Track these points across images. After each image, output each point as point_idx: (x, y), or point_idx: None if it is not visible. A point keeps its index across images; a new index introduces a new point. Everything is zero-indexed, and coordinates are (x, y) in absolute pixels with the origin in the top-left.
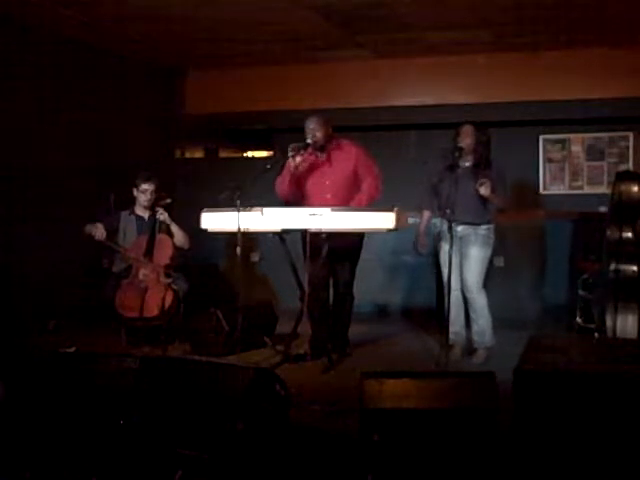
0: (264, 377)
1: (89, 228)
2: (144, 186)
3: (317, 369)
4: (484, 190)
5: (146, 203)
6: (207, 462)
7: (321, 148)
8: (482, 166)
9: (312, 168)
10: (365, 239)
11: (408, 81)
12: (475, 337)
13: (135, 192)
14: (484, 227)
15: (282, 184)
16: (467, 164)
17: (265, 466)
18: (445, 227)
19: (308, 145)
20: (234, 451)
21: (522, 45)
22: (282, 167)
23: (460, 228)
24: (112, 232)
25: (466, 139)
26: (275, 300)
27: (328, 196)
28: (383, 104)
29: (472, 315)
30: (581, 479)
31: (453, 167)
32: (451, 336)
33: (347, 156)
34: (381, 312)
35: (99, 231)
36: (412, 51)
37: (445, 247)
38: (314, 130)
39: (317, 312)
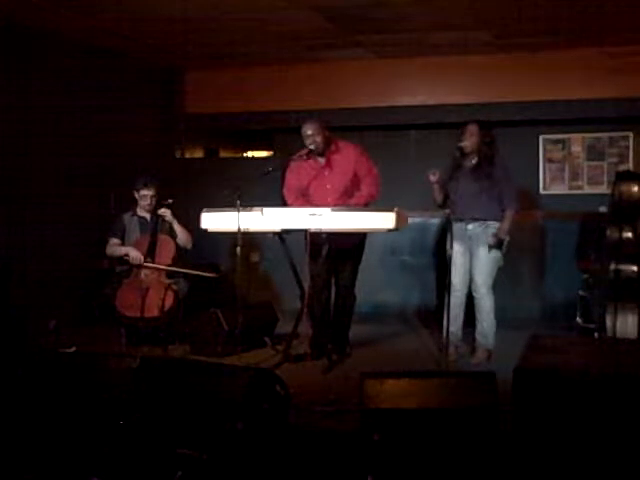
0: (264, 377)
1: (118, 251)
2: (143, 192)
3: (317, 369)
4: (492, 241)
5: (147, 207)
6: (207, 462)
7: (321, 153)
8: (485, 165)
9: (314, 174)
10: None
11: (408, 81)
12: (478, 337)
13: (136, 195)
14: (494, 225)
15: (296, 200)
16: (471, 164)
17: (265, 466)
18: (451, 226)
19: (311, 151)
20: (234, 451)
21: (522, 45)
22: (284, 171)
23: (470, 226)
24: (123, 237)
25: (470, 138)
26: (275, 300)
27: (329, 200)
28: (383, 104)
29: (477, 315)
30: (581, 479)
31: (458, 167)
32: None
33: (346, 159)
34: (381, 312)
35: (137, 255)
36: (412, 51)
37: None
38: (313, 136)
39: (317, 312)
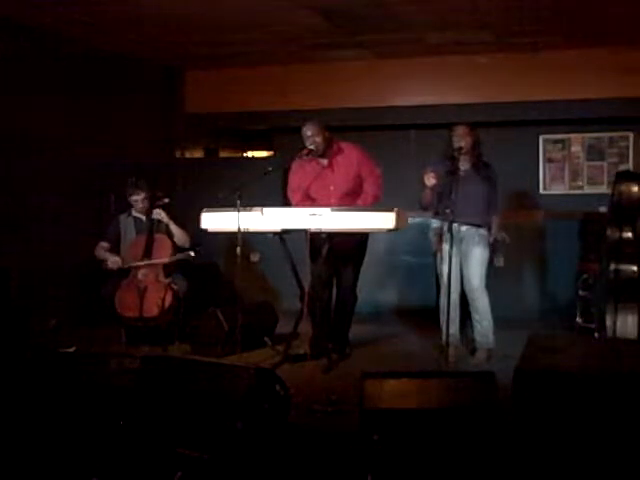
0: (264, 377)
1: (102, 255)
2: (134, 197)
3: (317, 369)
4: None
5: (141, 211)
6: (207, 462)
7: (322, 153)
8: (481, 166)
9: (316, 175)
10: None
11: (408, 81)
12: (477, 338)
13: (128, 198)
14: (483, 228)
15: (301, 201)
16: (466, 165)
17: (265, 466)
18: (446, 228)
19: (312, 151)
20: (234, 451)
21: (522, 45)
22: (286, 172)
23: (464, 228)
24: (117, 240)
25: (465, 138)
26: (275, 300)
27: (333, 201)
28: (383, 104)
29: (475, 316)
30: (581, 478)
31: (454, 170)
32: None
33: (349, 160)
34: (381, 312)
35: (116, 260)
36: (412, 51)
37: (446, 247)
38: (313, 136)
39: (318, 312)
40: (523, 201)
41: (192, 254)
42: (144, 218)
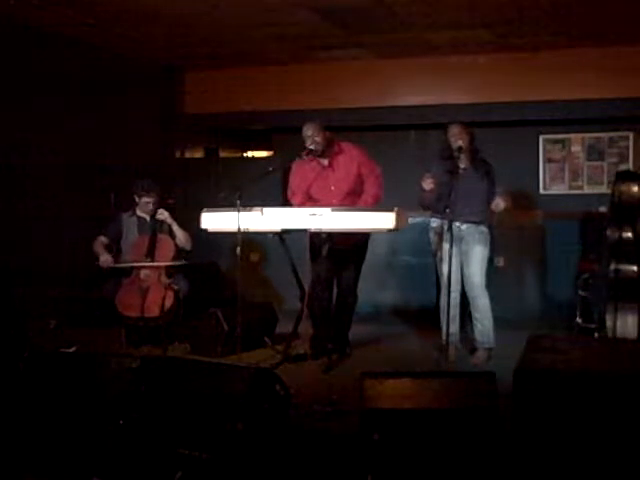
0: (264, 377)
1: (98, 250)
2: (144, 199)
3: (317, 369)
4: (503, 205)
5: (148, 212)
6: (207, 462)
7: (322, 153)
8: (479, 163)
9: (316, 175)
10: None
11: (408, 81)
12: (478, 337)
13: (136, 199)
14: (483, 225)
15: (303, 202)
16: (466, 163)
17: (265, 466)
18: (446, 227)
19: (312, 151)
20: (234, 451)
21: (522, 45)
22: (286, 173)
23: (465, 227)
24: (117, 237)
25: (462, 136)
26: (276, 300)
27: (334, 201)
28: (383, 104)
29: (476, 315)
30: (581, 479)
31: (454, 169)
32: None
33: (349, 160)
34: (381, 312)
35: (106, 259)
36: (412, 51)
37: (446, 246)
38: (313, 136)
39: (318, 312)
40: (523, 201)
41: (185, 262)
42: (148, 218)
